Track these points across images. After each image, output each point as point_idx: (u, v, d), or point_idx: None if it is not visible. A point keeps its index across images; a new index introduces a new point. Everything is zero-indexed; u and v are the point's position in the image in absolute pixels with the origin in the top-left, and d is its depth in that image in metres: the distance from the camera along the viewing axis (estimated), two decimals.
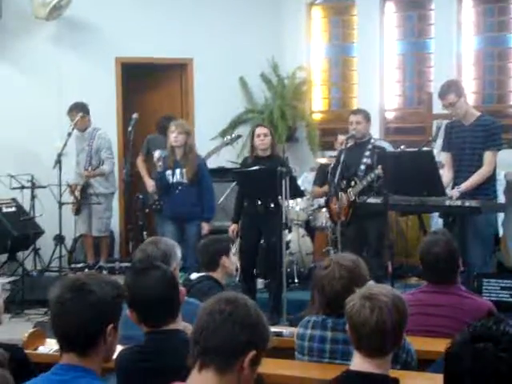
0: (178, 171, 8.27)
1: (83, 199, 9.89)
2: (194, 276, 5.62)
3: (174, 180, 8.28)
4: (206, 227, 8.28)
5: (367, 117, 8.36)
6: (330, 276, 4.05)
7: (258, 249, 8.28)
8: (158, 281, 3.66)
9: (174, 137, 8.24)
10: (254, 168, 7.95)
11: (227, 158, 10.08)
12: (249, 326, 2.63)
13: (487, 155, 7.49)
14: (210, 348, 2.59)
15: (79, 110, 9.83)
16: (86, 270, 9.41)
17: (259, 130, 8.14)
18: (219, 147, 9.66)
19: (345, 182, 8.12)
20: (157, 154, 8.67)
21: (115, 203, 10.59)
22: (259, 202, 8.00)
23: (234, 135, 9.71)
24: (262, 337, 2.65)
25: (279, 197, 7.67)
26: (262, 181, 7.84)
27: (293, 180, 7.98)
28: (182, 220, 8.36)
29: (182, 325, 3.73)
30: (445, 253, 4.67)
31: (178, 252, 4.76)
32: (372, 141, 8.31)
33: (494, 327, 2.42)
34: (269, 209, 7.98)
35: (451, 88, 7.73)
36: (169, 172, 8.30)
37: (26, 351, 4.24)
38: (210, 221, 8.45)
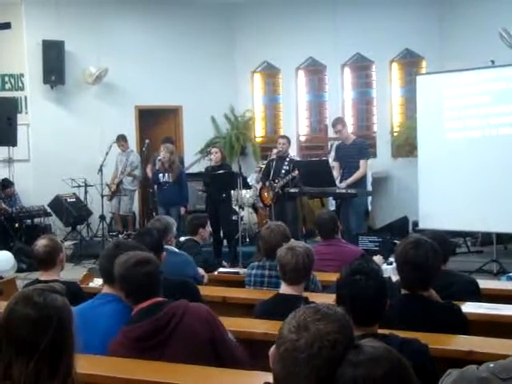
0: (166, 174, 8.20)
1: (117, 192, 9.81)
2: (182, 239, 5.60)
3: (164, 180, 8.21)
4: (182, 210, 8.22)
5: (289, 141, 8.42)
6: (269, 233, 4.13)
7: (219, 222, 7.97)
8: None
9: (162, 155, 8.22)
10: (219, 172, 7.94)
11: (204, 166, 9.99)
12: None
13: (361, 163, 7.60)
14: None
15: (122, 139, 9.89)
16: (119, 236, 9.30)
17: (212, 150, 8.31)
18: (194, 162, 9.44)
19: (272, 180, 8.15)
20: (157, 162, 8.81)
21: (137, 196, 10.51)
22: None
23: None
24: None
25: (233, 190, 7.61)
26: (224, 179, 7.82)
27: (244, 179, 7.96)
28: (168, 204, 8.19)
29: None
30: (329, 218, 4.90)
31: (174, 228, 4.63)
32: (289, 156, 8.35)
33: (365, 265, 2.47)
34: (222, 197, 7.93)
35: (339, 121, 7.85)
36: (161, 174, 8.24)
37: (82, 286, 4.22)
38: (186, 206, 8.39)
